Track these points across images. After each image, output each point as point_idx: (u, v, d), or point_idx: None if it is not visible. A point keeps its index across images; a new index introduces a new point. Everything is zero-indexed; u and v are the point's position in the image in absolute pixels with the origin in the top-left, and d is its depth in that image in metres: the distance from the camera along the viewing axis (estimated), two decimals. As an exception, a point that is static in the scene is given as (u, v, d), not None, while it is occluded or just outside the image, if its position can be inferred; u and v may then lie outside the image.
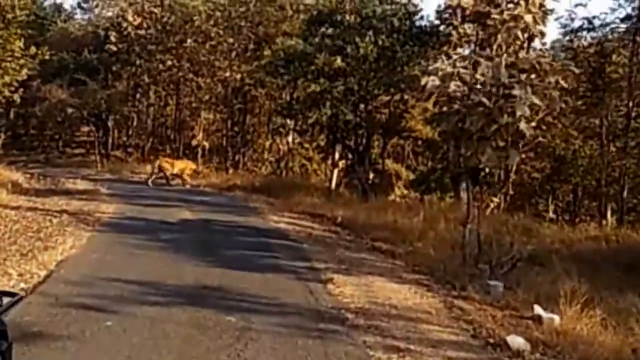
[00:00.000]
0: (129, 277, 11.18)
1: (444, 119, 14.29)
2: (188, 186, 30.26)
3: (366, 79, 27.82)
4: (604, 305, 10.52)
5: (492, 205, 21.35)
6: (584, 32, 27.75)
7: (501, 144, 13.68)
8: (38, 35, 36.97)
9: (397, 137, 33.32)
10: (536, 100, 13.53)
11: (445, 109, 14.70)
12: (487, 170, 15.22)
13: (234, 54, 38.44)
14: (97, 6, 46.43)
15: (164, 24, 40.82)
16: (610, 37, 27.80)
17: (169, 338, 8.14)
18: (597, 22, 27.24)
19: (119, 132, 47.40)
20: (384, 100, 30.49)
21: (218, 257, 13.78)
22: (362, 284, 12.06)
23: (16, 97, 24.62)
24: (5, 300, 3.30)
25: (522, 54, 14.60)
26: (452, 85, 13.63)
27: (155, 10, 40.96)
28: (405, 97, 29.82)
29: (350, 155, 31.40)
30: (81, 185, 27.77)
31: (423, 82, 14.06)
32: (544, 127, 22.60)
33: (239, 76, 37.91)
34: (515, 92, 13.29)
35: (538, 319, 10.02)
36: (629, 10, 26.64)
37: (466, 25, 24.37)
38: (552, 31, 62.97)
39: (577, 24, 27.74)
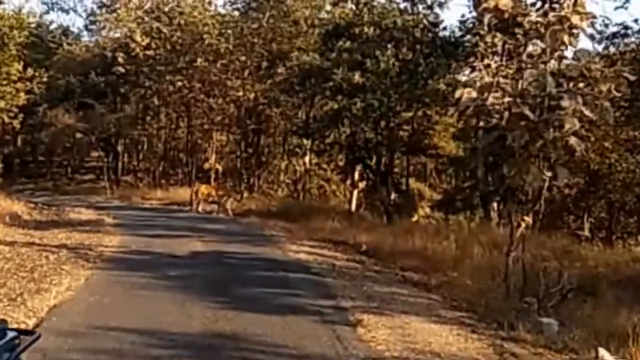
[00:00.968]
0: (129, 324, 10.30)
1: (483, 135, 13.04)
2: (231, 214, 29.07)
3: (387, 94, 26.93)
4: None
5: (522, 225, 20.45)
6: (619, 39, 26.34)
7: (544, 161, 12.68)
8: (44, 59, 37.01)
9: (421, 154, 32.60)
10: (587, 112, 12.30)
11: (481, 123, 13.48)
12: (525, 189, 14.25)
13: (246, 72, 37.98)
14: (104, 27, 45.89)
15: (173, 44, 40.32)
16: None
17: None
18: (635, 27, 25.99)
19: (129, 156, 47.62)
20: (406, 116, 29.78)
21: (231, 297, 12.78)
22: (396, 326, 11.00)
23: (16, 123, 23.78)
24: (24, 338, 3.37)
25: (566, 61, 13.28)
26: (491, 98, 12.48)
27: (164, 30, 40.09)
28: (429, 112, 29.35)
29: (371, 175, 30.74)
30: (86, 214, 27.20)
31: (458, 94, 13.11)
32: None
33: (252, 95, 37.54)
34: (564, 103, 12.14)
35: (604, 365, 9.17)
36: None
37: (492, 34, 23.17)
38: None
39: (611, 30, 26.41)
